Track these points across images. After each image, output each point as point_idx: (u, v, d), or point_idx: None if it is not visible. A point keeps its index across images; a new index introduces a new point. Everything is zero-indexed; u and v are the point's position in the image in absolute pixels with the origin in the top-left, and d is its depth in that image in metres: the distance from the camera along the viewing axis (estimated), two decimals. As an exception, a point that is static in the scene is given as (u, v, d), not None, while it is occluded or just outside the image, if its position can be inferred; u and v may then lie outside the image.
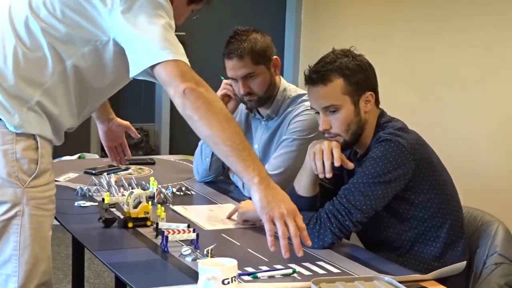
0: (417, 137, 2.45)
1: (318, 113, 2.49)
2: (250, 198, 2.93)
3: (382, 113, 2.54)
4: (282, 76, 3.17)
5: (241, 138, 2.11)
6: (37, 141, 2.17)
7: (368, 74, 2.47)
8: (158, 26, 2.14)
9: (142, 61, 2.14)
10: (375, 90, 2.49)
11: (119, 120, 3.06)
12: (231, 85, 3.06)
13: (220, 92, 3.08)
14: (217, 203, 2.90)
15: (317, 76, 2.44)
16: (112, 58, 2.22)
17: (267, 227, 2.05)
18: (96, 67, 2.24)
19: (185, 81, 2.10)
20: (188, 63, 2.17)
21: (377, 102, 2.52)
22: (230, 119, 2.13)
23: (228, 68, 2.98)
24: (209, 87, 2.18)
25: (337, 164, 2.40)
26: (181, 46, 2.18)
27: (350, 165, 2.46)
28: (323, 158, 2.41)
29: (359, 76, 2.44)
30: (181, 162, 3.67)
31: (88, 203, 2.78)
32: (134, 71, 2.16)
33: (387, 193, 2.36)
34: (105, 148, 3.10)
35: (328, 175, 2.41)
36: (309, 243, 2.08)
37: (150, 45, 2.13)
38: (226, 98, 3.08)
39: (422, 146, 2.44)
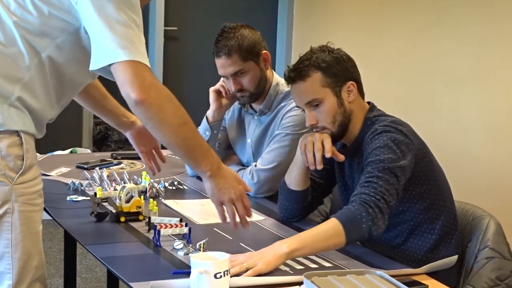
0: (411, 129, 2.46)
1: (304, 111, 2.51)
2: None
3: (372, 108, 2.55)
4: (275, 71, 3.17)
5: (194, 138, 2.24)
6: (21, 137, 2.14)
7: (346, 65, 2.49)
8: (121, 22, 2.10)
9: (100, 58, 2.11)
10: (356, 80, 2.51)
11: None
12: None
13: (213, 88, 3.08)
14: (209, 198, 2.89)
15: (295, 73, 2.48)
16: (87, 45, 2.18)
17: (217, 209, 2.32)
18: (72, 56, 2.21)
19: (136, 88, 2.08)
20: (147, 63, 2.13)
21: (361, 92, 2.53)
22: (182, 123, 2.19)
23: (218, 67, 2.99)
24: (162, 87, 2.16)
25: (327, 155, 2.41)
26: (142, 44, 2.14)
27: (341, 157, 2.47)
28: (314, 150, 2.42)
29: (336, 68, 2.46)
30: (173, 156, 3.65)
31: (80, 198, 2.78)
32: (93, 66, 2.13)
33: (402, 180, 2.34)
34: (140, 155, 2.88)
35: (319, 166, 2.42)
36: (251, 217, 2.35)
37: (109, 42, 2.09)
38: (216, 94, 3.08)
39: (417, 137, 2.45)
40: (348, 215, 2.22)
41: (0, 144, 2.11)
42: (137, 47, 2.12)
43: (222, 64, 2.96)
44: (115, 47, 2.08)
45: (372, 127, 2.45)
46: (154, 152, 2.87)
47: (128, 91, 2.09)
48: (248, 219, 2.33)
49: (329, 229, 2.20)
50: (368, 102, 2.56)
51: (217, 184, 2.27)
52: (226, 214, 2.31)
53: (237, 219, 2.31)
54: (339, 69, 2.47)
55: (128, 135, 2.86)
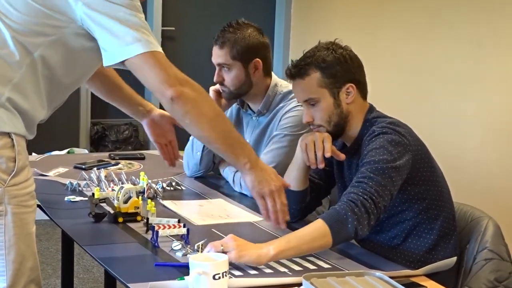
0: (410, 130, 2.46)
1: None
2: (240, 193, 2.95)
3: (371, 109, 2.54)
4: (272, 71, 3.16)
5: (230, 131, 2.29)
6: (12, 139, 2.12)
7: (347, 66, 2.47)
8: (128, 16, 2.10)
9: (116, 52, 2.10)
10: (358, 81, 2.49)
11: (160, 111, 2.87)
12: None
13: (213, 87, 3.09)
14: (207, 198, 2.89)
15: (295, 70, 2.49)
16: (81, 46, 2.18)
17: (259, 202, 2.36)
18: (65, 56, 2.20)
19: (171, 85, 2.11)
20: (162, 51, 2.14)
21: (362, 93, 2.52)
22: (217, 115, 2.24)
23: (212, 53, 3.02)
24: (193, 82, 2.18)
25: (327, 155, 2.41)
26: (154, 36, 2.15)
27: (342, 156, 2.47)
28: (315, 149, 2.42)
29: (336, 69, 2.46)
30: (171, 157, 3.66)
31: (78, 198, 2.77)
32: (108, 61, 2.13)
33: (397, 180, 2.33)
34: (156, 145, 2.92)
35: (320, 165, 2.43)
36: (288, 218, 2.41)
37: (123, 35, 2.09)
38: (216, 94, 3.08)
39: (415, 138, 2.45)
40: (334, 216, 2.22)
41: None
42: (151, 38, 2.12)
43: (214, 52, 3.01)
44: (131, 40, 2.08)
45: (370, 129, 2.45)
46: (172, 146, 2.90)
47: (163, 88, 2.11)
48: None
49: (315, 231, 2.20)
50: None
51: (257, 176, 2.30)
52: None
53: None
54: (338, 70, 2.46)
55: (143, 124, 2.87)
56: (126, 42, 2.09)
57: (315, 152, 2.44)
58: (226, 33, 2.97)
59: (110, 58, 2.12)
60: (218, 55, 2.99)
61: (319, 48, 2.50)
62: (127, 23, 2.10)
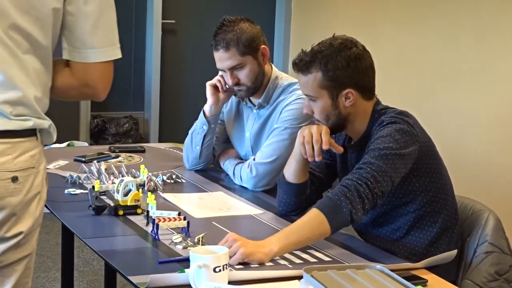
0: (417, 121, 2.46)
1: None
2: (241, 186, 2.95)
3: (378, 102, 2.53)
4: (272, 63, 3.16)
5: None
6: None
7: (351, 71, 2.43)
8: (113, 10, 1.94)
9: (106, 50, 1.95)
10: (360, 86, 2.45)
11: None
12: (222, 76, 3.05)
13: (210, 82, 3.08)
14: (207, 191, 2.89)
15: (300, 64, 2.47)
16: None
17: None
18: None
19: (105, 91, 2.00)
20: None
21: (366, 96, 2.48)
22: None
23: (216, 60, 2.98)
24: None
25: (325, 147, 2.41)
26: None
27: (339, 149, 2.47)
28: (312, 141, 2.42)
29: (337, 73, 2.42)
30: (171, 150, 3.66)
31: (78, 191, 2.77)
32: (94, 57, 1.94)
33: (400, 168, 2.33)
34: None
35: (318, 158, 2.42)
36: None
37: (111, 33, 1.94)
38: (213, 88, 3.08)
39: (422, 130, 2.45)
40: (327, 203, 2.23)
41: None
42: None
43: (220, 58, 2.95)
44: (115, 41, 1.97)
45: (379, 119, 2.44)
46: None
47: (99, 91, 2.01)
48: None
49: (311, 221, 2.21)
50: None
51: None
52: None
53: None
54: (340, 75, 2.42)
55: None
56: (111, 42, 1.96)
57: (313, 145, 2.43)
58: (223, 34, 2.92)
59: (97, 54, 1.95)
60: (226, 59, 2.94)
61: (328, 45, 2.45)
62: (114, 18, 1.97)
